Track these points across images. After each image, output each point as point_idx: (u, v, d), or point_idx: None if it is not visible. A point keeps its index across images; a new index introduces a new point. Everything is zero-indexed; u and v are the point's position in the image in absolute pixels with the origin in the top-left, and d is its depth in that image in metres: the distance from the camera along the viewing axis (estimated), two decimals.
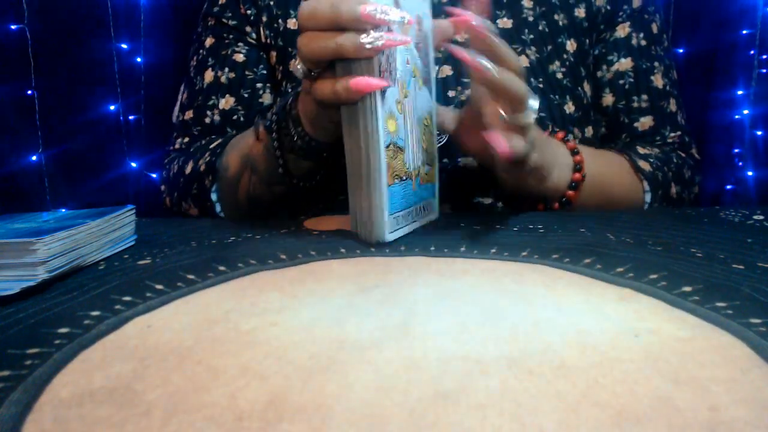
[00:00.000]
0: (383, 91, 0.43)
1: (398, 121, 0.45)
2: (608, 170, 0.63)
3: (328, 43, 0.41)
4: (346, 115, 0.44)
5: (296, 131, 0.52)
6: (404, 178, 0.46)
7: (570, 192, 0.57)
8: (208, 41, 0.74)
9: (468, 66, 0.44)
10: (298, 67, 0.45)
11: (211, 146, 0.68)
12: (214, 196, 0.65)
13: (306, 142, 0.52)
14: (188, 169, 0.67)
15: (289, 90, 0.69)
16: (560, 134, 0.59)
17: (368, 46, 0.41)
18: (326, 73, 0.44)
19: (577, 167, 0.57)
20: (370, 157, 0.43)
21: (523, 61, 0.66)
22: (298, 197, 0.61)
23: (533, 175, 0.53)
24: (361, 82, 0.42)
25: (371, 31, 0.41)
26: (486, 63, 0.43)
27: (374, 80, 0.42)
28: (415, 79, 0.47)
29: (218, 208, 0.65)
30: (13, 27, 1.06)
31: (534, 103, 0.46)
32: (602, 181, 0.61)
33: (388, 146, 0.43)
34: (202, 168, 0.65)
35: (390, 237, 0.44)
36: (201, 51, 0.74)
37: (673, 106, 0.72)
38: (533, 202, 0.59)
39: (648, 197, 0.65)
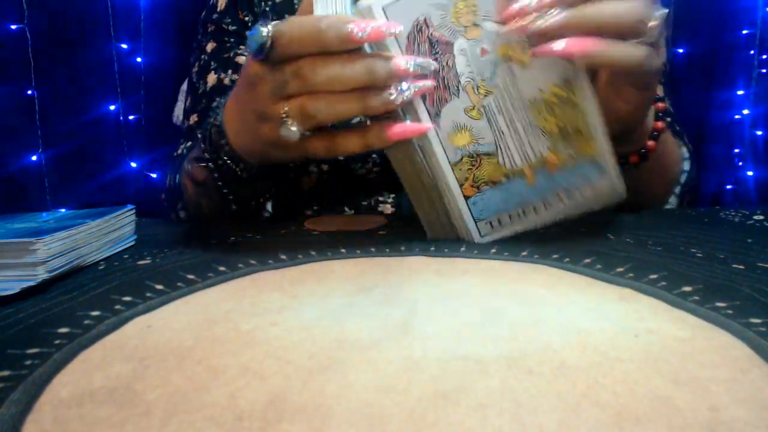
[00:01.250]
0: (437, 115, 0.41)
1: (475, 129, 0.42)
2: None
3: (353, 105, 0.39)
4: (392, 154, 0.43)
5: (239, 168, 0.49)
6: (505, 179, 0.43)
7: (650, 142, 0.52)
8: (209, 46, 0.74)
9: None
10: (293, 129, 0.39)
11: (186, 153, 0.68)
12: (182, 214, 0.66)
13: (251, 174, 0.50)
14: (168, 182, 0.69)
15: None
16: None
17: (398, 101, 0.39)
18: (320, 130, 0.41)
19: (659, 115, 0.52)
20: (437, 182, 0.42)
21: None
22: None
23: (650, 90, 0.47)
24: (397, 130, 0.40)
25: (396, 85, 0.39)
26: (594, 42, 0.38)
27: (412, 126, 0.40)
28: (511, 64, 0.41)
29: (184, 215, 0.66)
30: (13, 27, 1.06)
31: (657, 14, 0.39)
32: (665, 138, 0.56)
33: (459, 161, 0.42)
34: (171, 185, 0.67)
35: (487, 239, 0.44)
36: (202, 56, 0.74)
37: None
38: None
39: (685, 151, 0.63)
